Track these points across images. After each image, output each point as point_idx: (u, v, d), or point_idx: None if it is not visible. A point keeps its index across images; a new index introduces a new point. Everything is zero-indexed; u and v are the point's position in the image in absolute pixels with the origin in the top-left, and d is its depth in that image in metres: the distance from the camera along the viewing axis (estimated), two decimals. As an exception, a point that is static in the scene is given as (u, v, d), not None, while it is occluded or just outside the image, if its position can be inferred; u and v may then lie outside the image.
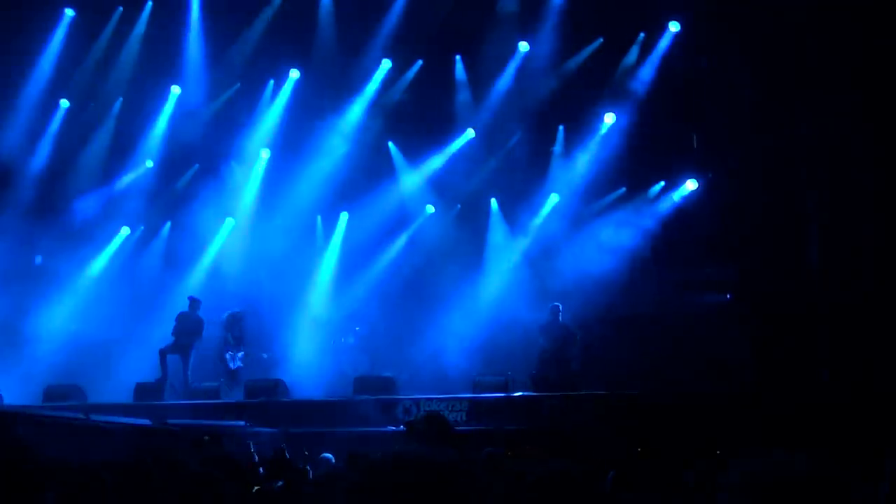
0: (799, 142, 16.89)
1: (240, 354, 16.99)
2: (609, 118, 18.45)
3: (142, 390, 16.21)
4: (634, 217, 18.16)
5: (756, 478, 2.42)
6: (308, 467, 9.24)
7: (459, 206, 19.50)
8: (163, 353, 16.81)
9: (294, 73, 19.93)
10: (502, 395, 14.68)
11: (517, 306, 17.68)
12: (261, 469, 8.45)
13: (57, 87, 19.99)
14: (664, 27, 18.15)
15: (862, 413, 11.69)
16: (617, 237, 17.89)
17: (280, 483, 7.58)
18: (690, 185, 17.98)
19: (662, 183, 18.26)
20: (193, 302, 17.30)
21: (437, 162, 19.52)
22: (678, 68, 17.94)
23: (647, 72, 18.30)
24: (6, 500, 5.47)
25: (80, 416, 13.42)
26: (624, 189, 18.47)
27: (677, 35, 18.09)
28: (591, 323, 17.17)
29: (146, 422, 13.16)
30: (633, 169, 18.22)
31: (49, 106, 20.03)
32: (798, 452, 2.46)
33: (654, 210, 18.20)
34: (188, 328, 17.03)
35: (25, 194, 19.70)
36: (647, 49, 18.33)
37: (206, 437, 10.14)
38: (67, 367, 17.48)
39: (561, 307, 16.43)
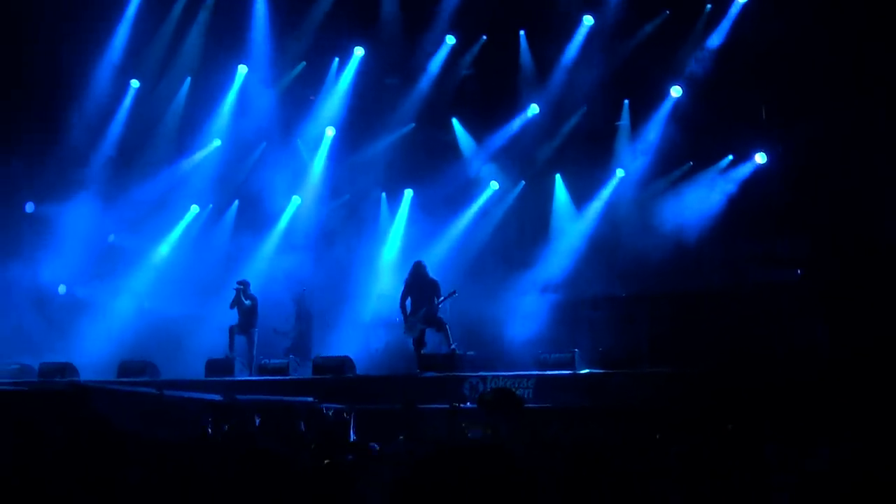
0: (874, 111, 16.47)
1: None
2: (675, 91, 18.22)
3: (212, 366, 16.53)
4: (702, 192, 17.94)
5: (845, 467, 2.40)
6: (374, 444, 9.36)
7: (524, 182, 19.46)
8: (232, 331, 17.23)
9: (359, 51, 20.02)
10: (568, 372, 14.66)
11: (583, 282, 17.62)
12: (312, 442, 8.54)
13: (127, 68, 20.35)
14: (732, -2, 17.84)
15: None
16: (684, 212, 17.69)
17: (350, 457, 7.69)
18: (759, 158, 17.68)
19: (730, 157, 17.98)
20: (242, 285, 17.58)
21: (501, 138, 19.47)
22: (746, 39, 17.61)
23: (713, 44, 18.00)
24: (89, 470, 5.66)
25: (154, 391, 13.76)
26: (691, 163, 18.22)
27: (745, 5, 17.77)
28: (659, 299, 17.02)
29: (217, 397, 13.42)
30: (701, 143, 17.94)
31: (120, 86, 20.41)
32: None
33: (722, 184, 17.94)
34: (244, 308, 17.38)
35: (98, 173, 20.16)
36: (713, 21, 18.03)
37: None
38: (141, 344, 17.94)
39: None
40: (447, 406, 12.15)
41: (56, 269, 19.37)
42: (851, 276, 15.86)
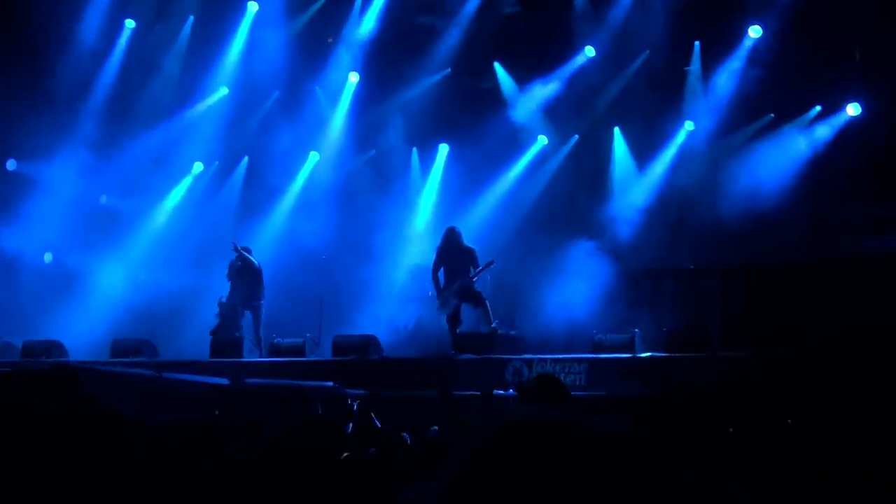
0: None
1: None
2: (754, 31, 18.13)
3: (218, 345, 16.68)
4: (784, 149, 17.84)
5: None
6: (406, 435, 9.42)
7: (577, 136, 19.41)
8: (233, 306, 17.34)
9: (385, -15, 20.05)
10: (627, 355, 14.68)
11: (645, 252, 17.61)
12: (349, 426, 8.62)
13: (120, 5, 20.46)
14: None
15: None
16: (763, 172, 17.63)
17: (373, 451, 7.75)
18: (852, 109, 17.56)
19: (818, 108, 17.90)
20: (241, 250, 17.49)
21: (551, 86, 19.40)
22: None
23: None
24: (80, 459, 5.76)
25: (152, 373, 13.95)
26: (772, 115, 18.16)
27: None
28: (732, 272, 17.00)
29: (223, 381, 13.57)
30: (783, 91, 17.88)
31: (113, 26, 20.53)
32: None
33: (808, 140, 17.85)
34: (245, 279, 17.41)
35: (88, 126, 20.32)
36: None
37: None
38: (137, 320, 18.16)
39: None
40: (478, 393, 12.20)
41: (41, 235, 19.60)
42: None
